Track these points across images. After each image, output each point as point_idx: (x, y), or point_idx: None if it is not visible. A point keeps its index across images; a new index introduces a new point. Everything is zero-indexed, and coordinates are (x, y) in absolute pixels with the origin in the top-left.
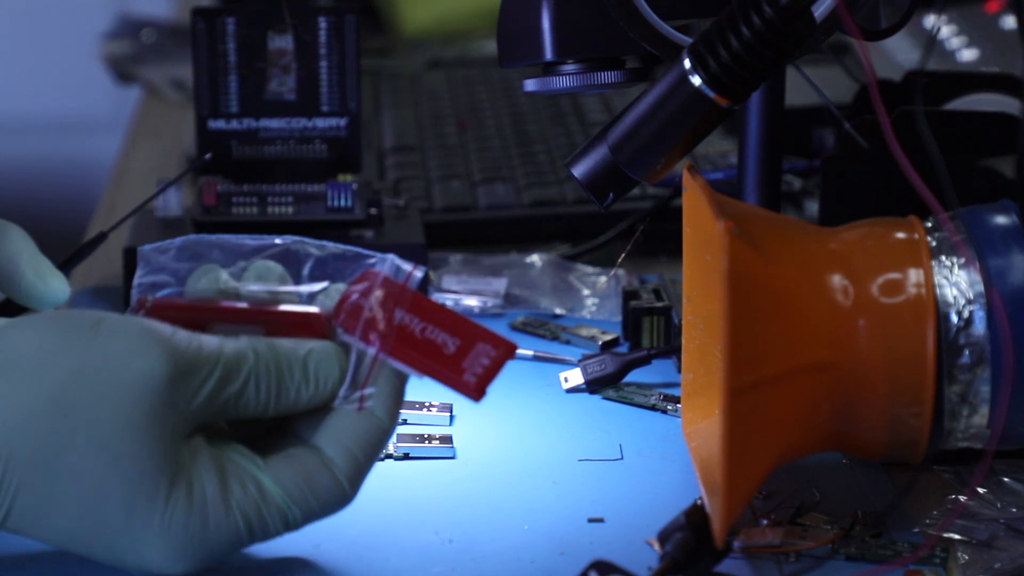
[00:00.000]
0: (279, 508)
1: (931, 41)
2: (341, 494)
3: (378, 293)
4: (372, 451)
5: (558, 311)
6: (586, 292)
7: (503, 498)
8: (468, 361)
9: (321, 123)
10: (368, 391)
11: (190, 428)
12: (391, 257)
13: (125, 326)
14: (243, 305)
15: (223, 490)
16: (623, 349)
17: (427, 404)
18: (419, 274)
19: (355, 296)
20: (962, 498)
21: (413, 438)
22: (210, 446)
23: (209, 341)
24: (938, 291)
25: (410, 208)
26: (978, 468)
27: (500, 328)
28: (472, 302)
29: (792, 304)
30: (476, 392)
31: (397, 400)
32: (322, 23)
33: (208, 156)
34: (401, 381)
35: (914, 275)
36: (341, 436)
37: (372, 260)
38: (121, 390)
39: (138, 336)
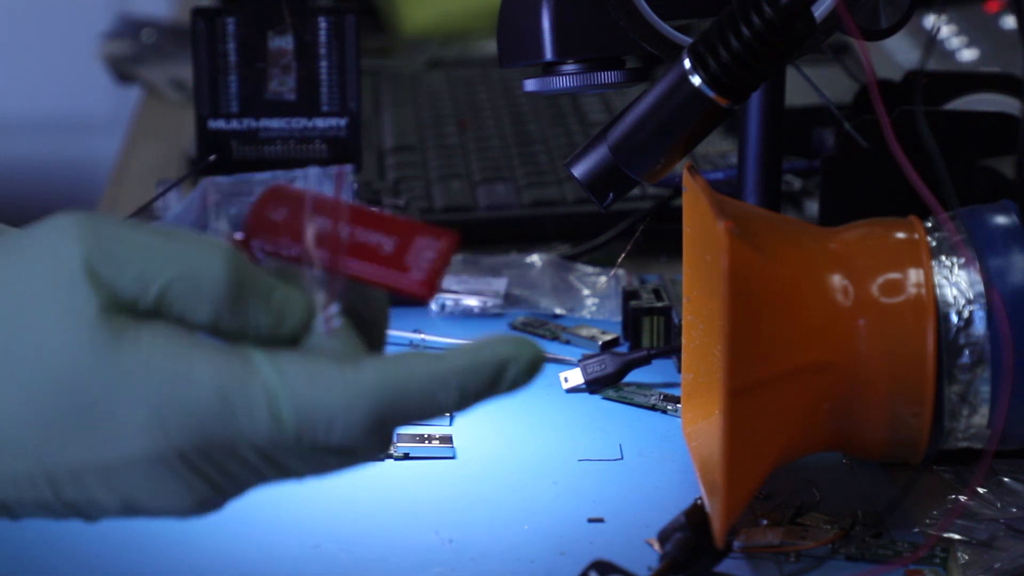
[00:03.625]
0: (262, 378)
1: (931, 41)
2: (347, 398)
3: (289, 209)
4: (404, 384)
5: (558, 311)
6: (586, 292)
7: (503, 498)
8: (411, 258)
9: (321, 123)
10: (332, 310)
11: (131, 300)
12: (313, 169)
13: (43, 223)
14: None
15: (190, 343)
16: (623, 349)
17: None
18: (348, 175)
19: (273, 214)
20: (962, 498)
21: (413, 438)
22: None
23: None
24: (938, 291)
25: (410, 208)
26: (978, 468)
27: (500, 328)
28: (472, 302)
29: (792, 304)
30: (426, 288)
31: (466, 371)
32: (322, 23)
33: (212, 158)
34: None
35: (914, 275)
36: (392, 359)
37: (293, 175)
38: (35, 280)
39: (52, 226)
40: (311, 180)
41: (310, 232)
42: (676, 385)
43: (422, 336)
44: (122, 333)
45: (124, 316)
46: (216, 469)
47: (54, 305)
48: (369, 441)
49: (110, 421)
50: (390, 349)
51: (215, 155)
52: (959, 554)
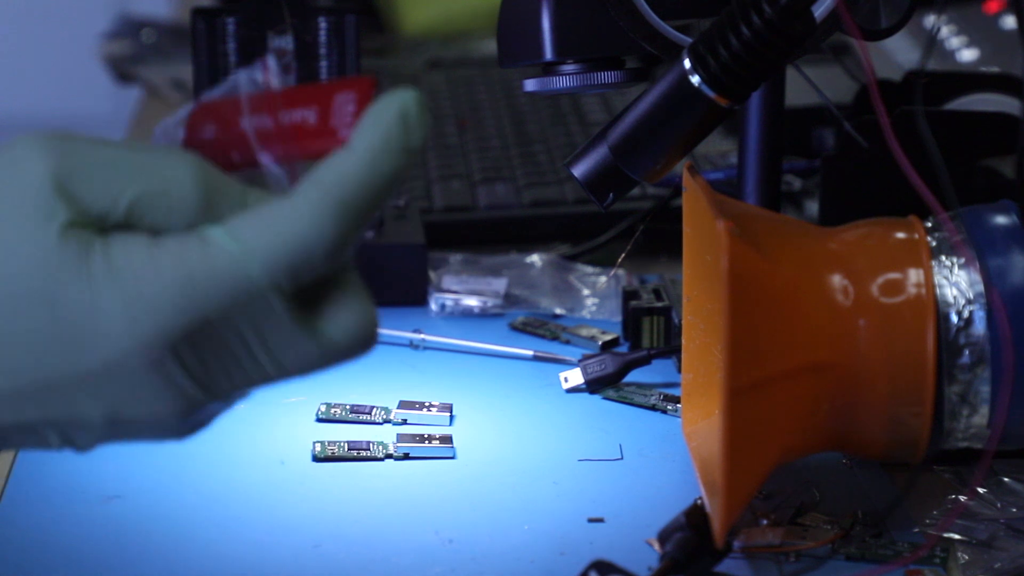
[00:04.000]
0: (222, 247)
1: (931, 41)
2: (301, 223)
3: (217, 120)
4: (341, 176)
5: (558, 311)
6: (586, 292)
7: (503, 498)
8: (336, 119)
9: None
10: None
11: (100, 215)
12: (238, 74)
13: (9, 142)
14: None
15: (151, 245)
16: (623, 349)
17: (427, 404)
18: (272, 64)
19: (204, 131)
20: (962, 498)
21: (413, 438)
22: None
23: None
24: (938, 291)
25: (410, 208)
26: (978, 468)
27: (500, 328)
28: (472, 302)
29: (792, 304)
30: None
31: (376, 128)
32: (322, 23)
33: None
34: (386, 111)
35: (914, 275)
36: (312, 173)
37: (225, 83)
38: (4, 194)
39: (17, 144)
40: (242, 83)
41: (250, 132)
42: (676, 385)
43: (422, 336)
44: (89, 246)
45: (92, 230)
46: (198, 358)
47: (21, 221)
48: (341, 254)
49: (85, 330)
50: (390, 349)
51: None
52: (959, 554)
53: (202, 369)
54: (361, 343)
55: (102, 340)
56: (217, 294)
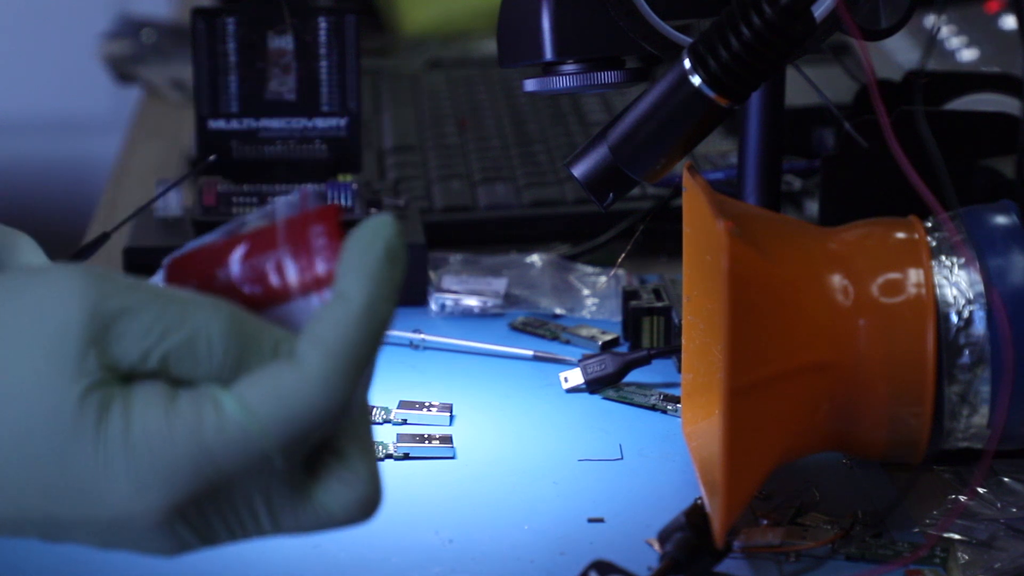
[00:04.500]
0: (236, 420)
1: (931, 41)
2: (311, 391)
3: (196, 273)
4: (343, 335)
5: (558, 311)
6: (586, 292)
7: (503, 498)
8: (309, 259)
9: (321, 123)
10: (325, 295)
11: (129, 369)
12: (276, 202)
13: (47, 272)
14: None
15: (168, 411)
16: (623, 349)
17: (427, 404)
18: (311, 195)
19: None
20: (962, 498)
21: (413, 438)
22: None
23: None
24: (938, 291)
25: (410, 208)
26: (978, 468)
27: (500, 328)
28: (472, 302)
29: (792, 304)
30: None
31: (368, 273)
32: (322, 23)
33: (212, 158)
34: (372, 252)
35: (914, 275)
36: (311, 330)
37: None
38: (31, 337)
39: (57, 279)
40: (279, 210)
41: (228, 284)
42: (676, 385)
43: (422, 336)
44: (108, 409)
45: (116, 383)
46: (202, 517)
47: (48, 368)
48: (348, 410)
49: (94, 490)
50: (390, 349)
51: (215, 156)
52: (959, 554)
53: (204, 524)
54: (359, 516)
55: (110, 500)
56: (228, 465)
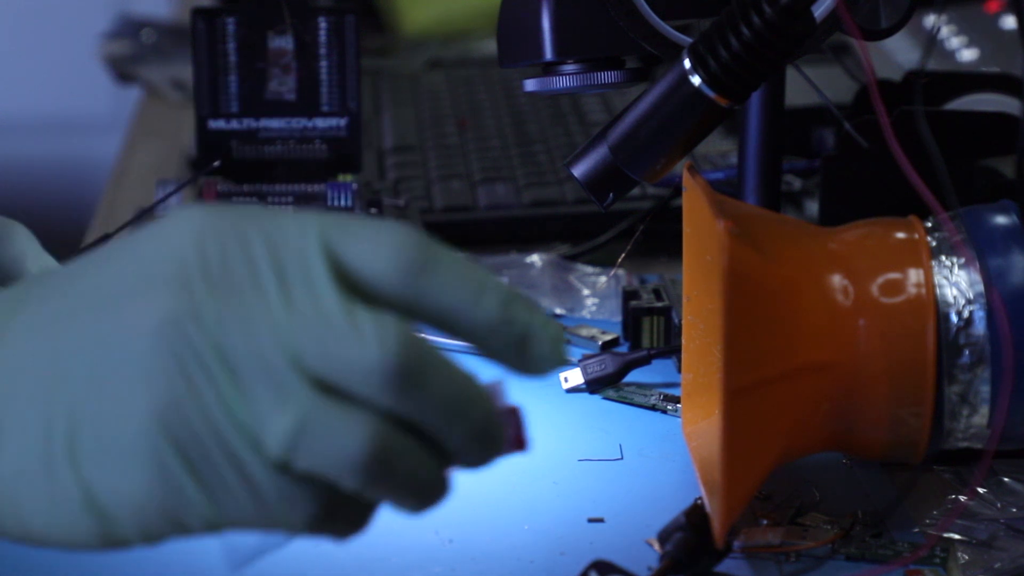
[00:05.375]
0: None
1: (931, 41)
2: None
3: None
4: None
5: (558, 311)
6: (586, 292)
7: (503, 498)
8: (509, 432)
9: (321, 123)
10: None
11: None
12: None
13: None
14: None
15: None
16: (623, 349)
17: None
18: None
19: None
20: (962, 498)
21: None
22: None
23: None
24: (938, 291)
25: (410, 208)
26: (978, 468)
27: None
28: None
29: (792, 304)
30: (516, 446)
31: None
32: (322, 23)
33: (217, 164)
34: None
35: (914, 275)
36: None
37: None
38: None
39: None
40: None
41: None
42: (676, 385)
43: (422, 336)
44: None
45: None
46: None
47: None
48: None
49: None
50: None
51: (218, 159)
52: (959, 554)
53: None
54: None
55: None
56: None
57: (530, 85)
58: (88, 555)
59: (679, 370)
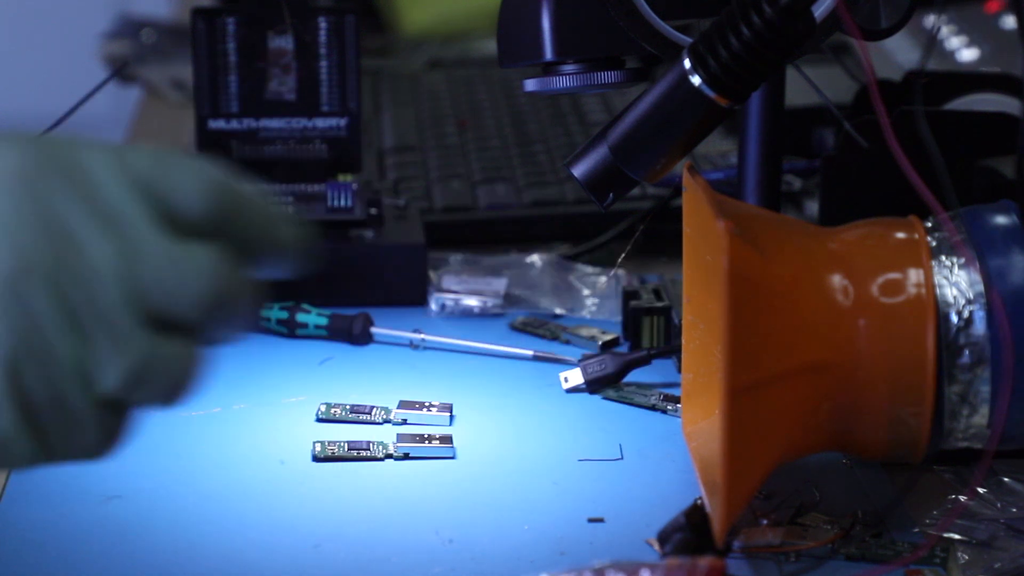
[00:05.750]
0: None
1: (931, 41)
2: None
3: None
4: None
5: (558, 311)
6: (586, 292)
7: (503, 498)
8: None
9: (321, 123)
10: None
11: None
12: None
13: None
14: None
15: None
16: (623, 349)
17: (427, 404)
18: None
19: None
20: (962, 498)
21: (413, 438)
22: None
23: None
24: (938, 291)
25: (410, 208)
26: (978, 468)
27: (500, 328)
28: (472, 302)
29: (792, 304)
30: None
31: None
32: (322, 23)
33: None
34: None
35: (914, 275)
36: None
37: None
38: None
39: None
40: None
41: None
42: (676, 385)
43: (422, 336)
44: None
45: None
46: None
47: None
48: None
49: None
50: (390, 349)
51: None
52: (959, 554)
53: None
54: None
55: None
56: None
57: (530, 85)
58: (88, 556)
59: (679, 370)
